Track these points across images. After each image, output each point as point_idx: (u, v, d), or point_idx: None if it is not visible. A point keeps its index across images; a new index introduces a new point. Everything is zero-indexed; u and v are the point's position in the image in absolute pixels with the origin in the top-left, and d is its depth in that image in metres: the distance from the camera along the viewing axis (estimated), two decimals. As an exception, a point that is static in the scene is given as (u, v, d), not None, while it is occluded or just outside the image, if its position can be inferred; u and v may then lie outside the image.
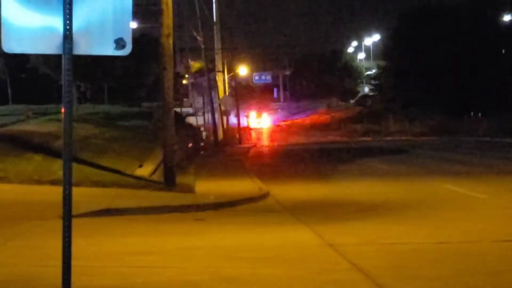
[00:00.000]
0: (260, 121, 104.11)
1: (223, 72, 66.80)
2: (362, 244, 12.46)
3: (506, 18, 75.13)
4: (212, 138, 60.57)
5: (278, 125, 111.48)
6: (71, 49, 6.15)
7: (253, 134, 74.03)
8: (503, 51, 72.71)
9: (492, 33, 73.94)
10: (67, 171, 6.20)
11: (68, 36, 6.14)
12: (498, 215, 16.21)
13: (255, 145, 63.82)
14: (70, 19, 6.13)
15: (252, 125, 70.72)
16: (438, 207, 17.90)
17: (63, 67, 6.15)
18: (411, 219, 15.62)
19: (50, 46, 6.21)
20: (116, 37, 6.26)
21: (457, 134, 65.59)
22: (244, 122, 69.04)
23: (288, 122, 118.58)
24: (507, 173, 27.42)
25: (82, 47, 6.24)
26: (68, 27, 6.13)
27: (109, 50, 6.28)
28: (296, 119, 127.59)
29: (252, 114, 70.25)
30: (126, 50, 6.29)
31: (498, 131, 59.35)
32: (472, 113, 68.16)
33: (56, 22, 6.17)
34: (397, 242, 12.56)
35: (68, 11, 6.13)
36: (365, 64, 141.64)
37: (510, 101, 61.85)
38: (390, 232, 13.81)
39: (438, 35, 75.18)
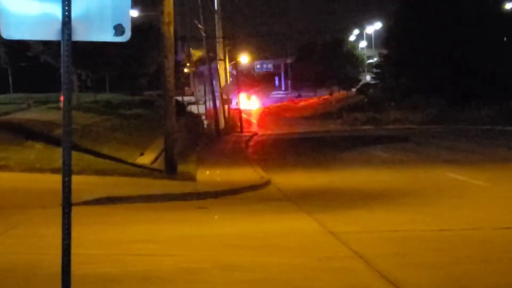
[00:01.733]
0: (250, 103, 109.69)
1: (224, 60, 66.68)
2: (363, 232, 12.45)
3: (508, 5, 74.89)
4: (213, 126, 60.53)
5: (267, 107, 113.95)
6: (70, 35, 6.11)
7: (243, 115, 74.40)
8: (505, 39, 72.53)
9: (494, 21, 73.74)
10: (67, 157, 6.17)
11: (66, 22, 6.09)
12: (499, 202, 16.20)
13: (256, 134, 63.78)
14: (69, 5, 6.09)
15: (242, 107, 71.74)
16: (440, 195, 17.88)
17: (62, 53, 6.11)
18: (412, 207, 15.62)
19: (49, 32, 6.17)
20: (115, 23, 6.22)
21: (458, 122, 65.48)
22: (236, 105, 70.02)
23: (278, 105, 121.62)
24: (509, 161, 27.39)
25: (81, 33, 6.20)
26: (67, 13, 6.08)
27: (108, 36, 6.24)
28: (285, 101, 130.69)
29: (243, 96, 71.34)
30: (125, 37, 6.25)
31: (499, 119, 59.26)
32: (473, 102, 68.03)
33: (55, 8, 6.13)
34: (398, 229, 12.55)
35: (67, -4, 6.09)
36: (366, 52, 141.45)
37: (511, 89, 61.75)
38: (391, 219, 13.80)
39: (440, 23, 74.98)
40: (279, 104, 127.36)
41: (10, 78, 64.85)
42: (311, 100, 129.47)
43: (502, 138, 43.98)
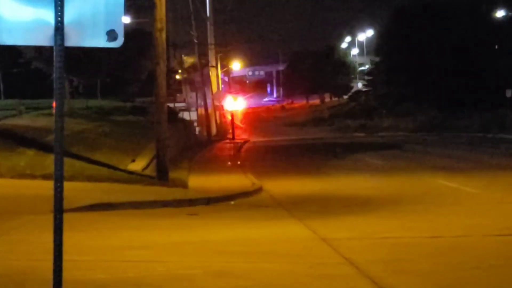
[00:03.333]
0: (235, 104, 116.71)
1: (216, 67, 66.76)
2: (355, 238, 12.45)
3: (500, 13, 75.13)
4: (205, 133, 60.51)
5: (251, 108, 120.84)
6: (62, 40, 6.11)
7: (228, 117, 74.70)
8: (496, 47, 72.74)
9: (485, 29, 73.96)
10: (58, 163, 6.16)
11: (59, 27, 6.09)
12: (490, 209, 16.24)
13: (248, 140, 63.79)
14: (62, 11, 6.09)
15: (228, 108, 72.16)
16: (431, 202, 17.91)
17: (54, 59, 6.11)
18: (404, 214, 15.63)
19: (42, 37, 6.17)
20: (108, 29, 6.22)
21: (450, 130, 65.64)
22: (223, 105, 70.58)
23: (261, 108, 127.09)
24: (499, 168, 27.46)
25: (74, 39, 6.19)
26: (59, 18, 6.08)
27: (100, 42, 6.24)
28: (268, 105, 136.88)
29: (229, 97, 72.17)
30: (118, 42, 6.25)
31: (491, 127, 59.43)
32: (465, 109, 68.19)
33: (48, 14, 6.13)
34: (390, 236, 12.56)
35: (59, 2, 6.09)
36: (358, 59, 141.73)
37: (503, 97, 61.87)
38: (383, 226, 13.80)
39: (432, 30, 75.19)
40: (263, 107, 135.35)
41: (1, 84, 64.75)
42: (296, 104, 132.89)
43: (493, 145, 44.11)
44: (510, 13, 75.63)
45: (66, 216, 6.62)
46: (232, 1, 69.32)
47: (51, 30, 6.13)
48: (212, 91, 63.32)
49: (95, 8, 6.22)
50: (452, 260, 10.30)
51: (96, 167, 23.35)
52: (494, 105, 63.87)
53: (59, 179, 6.17)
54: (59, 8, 6.08)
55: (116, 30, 6.23)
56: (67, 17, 6.13)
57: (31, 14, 6.15)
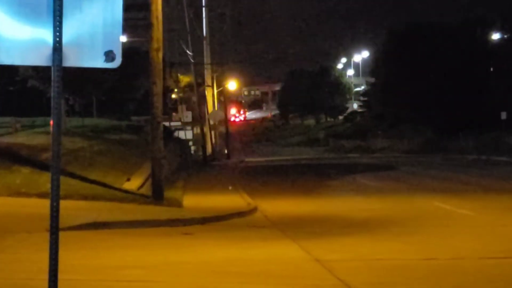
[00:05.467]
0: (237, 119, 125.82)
1: (212, 86, 66.84)
2: (349, 260, 12.45)
3: (495, 36, 75.45)
4: (200, 152, 60.48)
5: (233, 121, 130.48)
6: (60, 61, 6.13)
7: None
8: (491, 69, 73.01)
9: (480, 51, 74.25)
10: (55, 182, 6.17)
11: (57, 48, 6.11)
12: (485, 232, 16.24)
13: (243, 161, 63.81)
14: (60, 31, 6.11)
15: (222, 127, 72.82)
16: (426, 224, 17.92)
17: (52, 79, 6.13)
18: (399, 236, 15.63)
19: (40, 57, 6.19)
20: (106, 50, 6.24)
21: (445, 152, 65.75)
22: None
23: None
24: (494, 190, 27.48)
25: (72, 59, 6.21)
26: (58, 39, 6.11)
27: (98, 62, 6.26)
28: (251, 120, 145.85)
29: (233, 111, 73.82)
30: (116, 63, 6.27)
31: (485, 149, 59.53)
32: (460, 131, 68.33)
33: (46, 34, 6.15)
34: (385, 258, 12.56)
35: (58, 23, 6.11)
36: (354, 80, 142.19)
37: (498, 119, 62.03)
38: (378, 248, 13.81)
39: (427, 52, 75.46)
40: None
41: (-3, 102, 64.68)
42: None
43: (488, 168, 44.18)
44: (505, 36, 75.95)
45: (61, 235, 6.63)
46: (229, 21, 69.53)
47: (49, 50, 6.15)
48: (208, 110, 63.35)
49: (93, 28, 6.25)
50: (445, 283, 10.31)
51: (91, 185, 23.32)
52: (489, 128, 64.03)
53: (55, 198, 6.18)
54: (57, 28, 6.10)
55: (114, 51, 6.25)
56: (65, 37, 6.15)
57: (29, 34, 6.17)
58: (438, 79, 74.27)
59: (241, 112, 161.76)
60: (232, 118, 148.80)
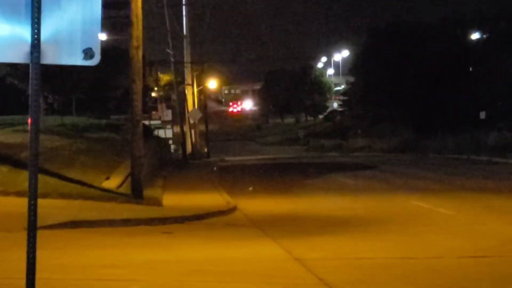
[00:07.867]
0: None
1: (192, 85, 66.73)
2: (329, 258, 12.46)
3: (474, 36, 75.78)
4: (180, 151, 60.36)
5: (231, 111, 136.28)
6: (38, 58, 6.09)
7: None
8: (470, 69, 73.35)
9: (460, 51, 74.57)
10: (33, 180, 6.13)
11: (36, 45, 6.08)
12: (463, 231, 16.31)
13: (223, 159, 63.74)
14: (38, 28, 6.08)
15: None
16: (405, 223, 17.97)
17: (30, 76, 6.09)
18: (378, 234, 15.67)
19: (18, 55, 6.15)
20: (84, 47, 6.22)
21: (425, 151, 66.00)
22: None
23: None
24: (473, 189, 27.60)
25: (50, 57, 6.18)
26: (36, 36, 6.07)
27: (77, 60, 6.23)
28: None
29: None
30: (95, 60, 6.24)
31: (465, 148, 59.83)
32: (440, 131, 68.61)
33: (24, 31, 6.11)
34: (364, 257, 12.58)
35: (36, 20, 6.07)
36: (334, 79, 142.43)
37: (477, 119, 62.35)
38: (357, 247, 13.83)
39: (407, 52, 75.72)
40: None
41: (-25, 100, 64.29)
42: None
43: (467, 167, 44.38)
44: (484, 36, 76.32)
45: (39, 234, 6.58)
46: (209, 20, 69.37)
47: (27, 48, 6.11)
48: (187, 109, 63.25)
49: (72, 25, 6.21)
50: (424, 282, 10.34)
51: (70, 184, 23.19)
52: (468, 127, 64.33)
53: (33, 196, 6.14)
54: (36, 25, 6.07)
55: (93, 49, 6.23)
56: (44, 35, 6.12)
57: (7, 31, 6.13)
58: (417, 79, 74.55)
59: (238, 103, 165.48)
60: (231, 109, 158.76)
